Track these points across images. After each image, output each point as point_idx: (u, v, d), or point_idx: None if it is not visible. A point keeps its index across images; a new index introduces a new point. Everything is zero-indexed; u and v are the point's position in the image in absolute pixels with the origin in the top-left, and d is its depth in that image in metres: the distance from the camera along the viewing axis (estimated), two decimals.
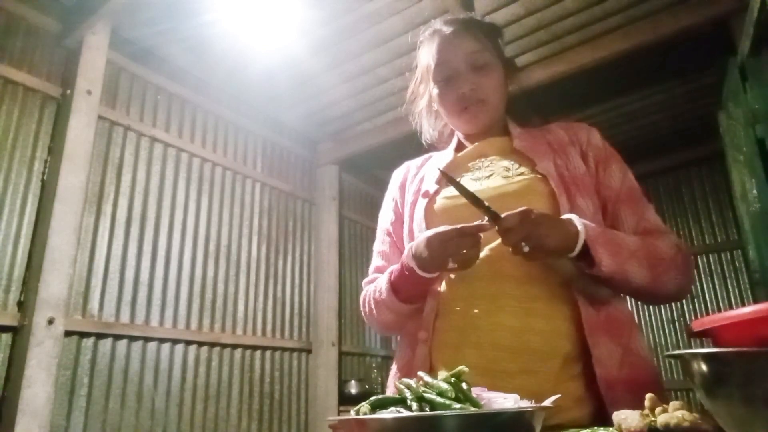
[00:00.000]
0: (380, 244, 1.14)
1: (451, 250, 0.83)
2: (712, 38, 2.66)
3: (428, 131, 1.18)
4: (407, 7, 2.69)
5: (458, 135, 1.14)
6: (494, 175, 0.99)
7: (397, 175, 1.19)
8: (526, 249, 0.79)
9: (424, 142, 1.20)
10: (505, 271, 0.90)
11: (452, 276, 0.95)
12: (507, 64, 1.09)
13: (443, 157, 1.12)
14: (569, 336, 0.86)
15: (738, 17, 2.37)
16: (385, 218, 1.16)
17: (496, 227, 0.80)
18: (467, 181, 1.01)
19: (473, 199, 0.83)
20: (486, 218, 0.82)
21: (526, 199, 0.91)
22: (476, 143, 1.07)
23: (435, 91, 1.07)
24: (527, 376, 0.83)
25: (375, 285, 1.02)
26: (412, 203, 1.07)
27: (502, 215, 0.79)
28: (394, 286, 0.95)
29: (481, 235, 0.85)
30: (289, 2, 2.63)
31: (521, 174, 0.97)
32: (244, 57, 3.03)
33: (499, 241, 0.85)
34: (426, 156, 1.19)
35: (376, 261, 1.13)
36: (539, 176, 0.95)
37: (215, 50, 2.98)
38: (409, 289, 0.94)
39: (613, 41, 2.87)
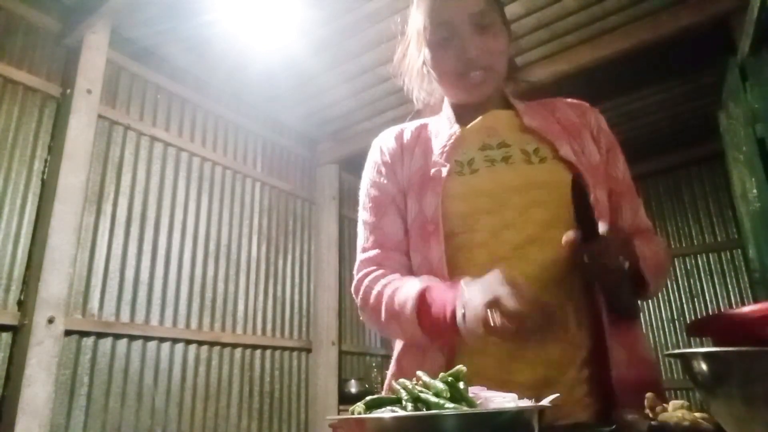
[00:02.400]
0: (376, 216, 0.94)
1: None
2: (712, 38, 2.66)
3: (419, 95, 1.04)
4: (407, 7, 2.68)
5: (448, 103, 1.01)
6: (512, 159, 0.88)
7: (387, 142, 1.01)
8: (627, 264, 0.75)
9: (415, 101, 1.06)
10: (529, 273, 0.81)
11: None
12: (510, 29, 0.97)
13: (444, 128, 0.97)
14: (584, 343, 0.84)
15: (738, 17, 2.37)
16: (380, 187, 0.97)
17: (593, 246, 0.74)
18: (480, 161, 0.89)
19: (586, 213, 0.74)
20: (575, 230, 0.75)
21: (557, 192, 0.84)
22: (481, 116, 0.94)
23: (429, 54, 0.93)
24: (547, 388, 0.79)
25: (391, 291, 0.84)
26: (420, 186, 0.91)
27: (602, 231, 0.73)
28: (422, 319, 0.78)
29: (495, 232, 0.83)
30: (289, 2, 2.62)
31: (542, 160, 0.87)
32: (244, 57, 3.03)
33: (520, 237, 0.82)
34: (419, 123, 1.03)
35: (373, 235, 0.94)
36: (563, 163, 0.86)
37: (215, 50, 2.98)
38: (441, 333, 0.78)
39: (613, 41, 2.87)
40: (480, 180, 0.87)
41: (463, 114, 0.97)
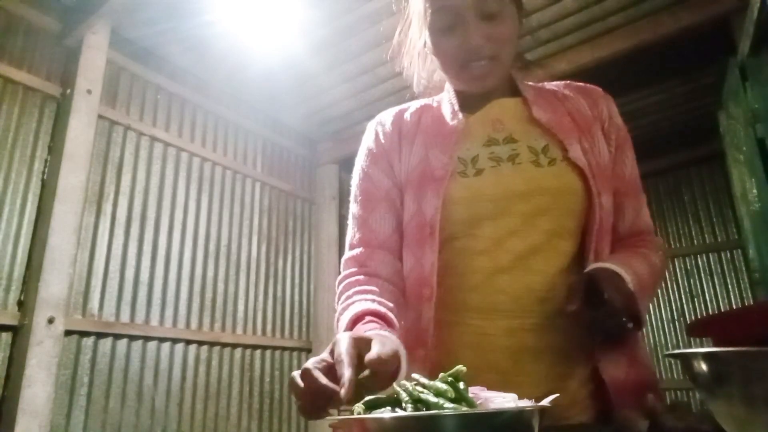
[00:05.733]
0: (363, 210, 0.90)
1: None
2: (712, 38, 2.66)
3: (419, 79, 0.98)
4: (407, 7, 2.69)
5: (450, 88, 0.94)
6: (519, 159, 0.83)
7: (384, 125, 0.94)
8: (630, 325, 0.73)
9: (415, 85, 0.99)
10: (530, 285, 0.80)
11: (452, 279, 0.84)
12: (519, 5, 0.88)
13: (445, 117, 0.90)
14: (585, 348, 0.82)
15: (738, 17, 2.37)
16: (373, 177, 0.91)
17: (598, 314, 0.70)
18: (485, 159, 0.84)
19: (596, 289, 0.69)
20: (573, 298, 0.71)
21: (563, 200, 0.81)
22: (485, 106, 0.89)
23: (431, 40, 0.86)
24: (547, 396, 0.80)
25: (345, 302, 0.80)
26: (419, 185, 0.85)
27: (606, 295, 0.68)
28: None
29: (501, 237, 0.81)
30: (289, 2, 2.62)
31: (551, 162, 0.82)
32: (244, 57, 3.03)
33: (524, 246, 0.80)
34: (419, 105, 0.95)
35: (360, 231, 0.89)
36: (571, 166, 0.81)
37: (215, 50, 2.98)
38: None
39: (613, 41, 2.87)
40: (484, 183, 0.82)
41: (467, 100, 0.91)
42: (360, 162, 0.94)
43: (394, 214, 0.89)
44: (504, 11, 0.81)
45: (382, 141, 0.92)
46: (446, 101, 0.93)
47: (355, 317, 0.74)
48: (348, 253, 0.89)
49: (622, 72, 3.12)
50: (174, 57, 3.05)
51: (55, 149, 2.42)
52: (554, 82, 0.95)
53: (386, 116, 0.96)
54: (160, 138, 2.97)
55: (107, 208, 2.65)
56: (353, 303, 0.78)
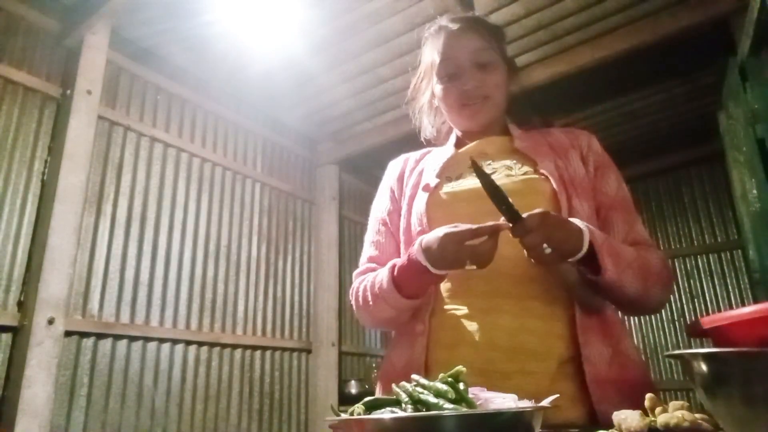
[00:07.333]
0: (374, 233, 1.11)
1: (467, 251, 0.81)
2: (712, 38, 2.66)
3: (427, 128, 1.18)
4: (407, 7, 2.69)
5: (456, 132, 1.14)
6: (497, 173, 0.99)
7: (394, 166, 1.18)
8: (548, 251, 0.78)
9: (422, 140, 1.20)
10: (502, 269, 0.88)
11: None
12: (510, 65, 1.10)
13: (443, 152, 1.11)
14: (564, 336, 0.87)
15: (738, 17, 2.37)
16: (380, 207, 1.14)
17: (515, 228, 0.78)
18: (467, 176, 1.01)
19: (497, 194, 0.79)
20: (503, 218, 0.80)
21: (528, 198, 0.91)
22: (476, 141, 1.07)
23: (438, 87, 1.07)
24: (523, 376, 0.84)
25: (372, 278, 0.98)
26: (411, 196, 1.06)
27: (524, 215, 0.77)
28: (397, 281, 0.91)
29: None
30: (289, 2, 2.62)
31: (524, 173, 0.97)
32: (244, 57, 3.03)
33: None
34: (425, 150, 1.18)
35: (368, 251, 1.10)
36: (541, 176, 0.96)
37: (215, 50, 2.98)
38: (415, 284, 0.91)
39: (613, 41, 2.87)
40: (461, 188, 0.99)
41: (465, 141, 1.11)
42: (376, 197, 1.18)
43: (394, 237, 1.09)
44: (494, 63, 1.04)
45: (391, 178, 1.16)
46: (449, 143, 1.14)
47: (391, 265, 0.94)
48: (357, 270, 1.09)
49: (622, 72, 3.12)
50: (174, 57, 3.05)
51: (55, 149, 2.42)
52: (543, 129, 1.12)
53: (397, 159, 1.20)
54: (160, 138, 2.97)
55: (107, 208, 2.65)
56: (377, 272, 0.98)
